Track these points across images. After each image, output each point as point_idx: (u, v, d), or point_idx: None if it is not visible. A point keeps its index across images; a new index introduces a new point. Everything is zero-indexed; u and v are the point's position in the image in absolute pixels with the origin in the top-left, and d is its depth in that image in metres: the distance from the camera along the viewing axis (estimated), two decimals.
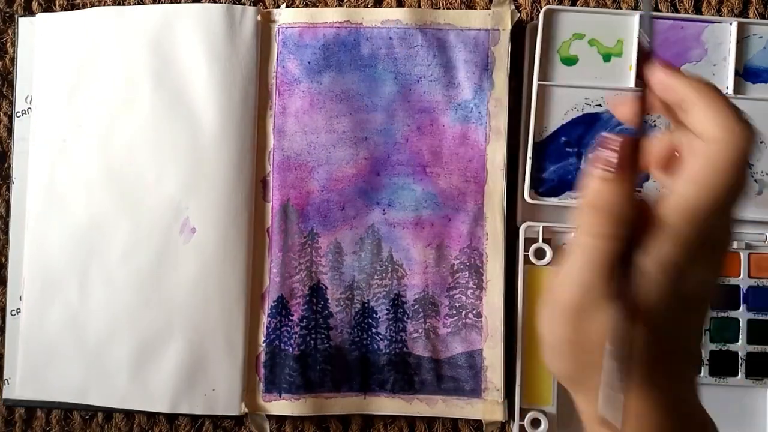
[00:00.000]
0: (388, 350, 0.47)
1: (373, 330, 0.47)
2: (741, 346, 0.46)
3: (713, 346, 0.46)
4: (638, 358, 0.26)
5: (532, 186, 0.46)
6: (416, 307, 0.47)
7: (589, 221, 0.26)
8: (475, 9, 0.48)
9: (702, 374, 0.46)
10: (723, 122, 0.26)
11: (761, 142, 0.46)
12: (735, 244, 0.46)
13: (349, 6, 0.50)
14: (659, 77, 0.29)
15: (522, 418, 0.45)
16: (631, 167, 0.26)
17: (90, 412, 0.49)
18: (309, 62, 0.48)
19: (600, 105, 0.47)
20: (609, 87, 0.46)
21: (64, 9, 0.51)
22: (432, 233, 0.47)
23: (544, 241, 0.46)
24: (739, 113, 0.26)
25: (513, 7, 0.47)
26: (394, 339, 0.47)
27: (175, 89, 0.48)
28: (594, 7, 0.49)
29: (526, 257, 0.46)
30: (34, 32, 0.50)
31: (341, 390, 0.47)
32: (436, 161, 0.48)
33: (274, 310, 0.47)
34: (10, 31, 0.51)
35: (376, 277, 0.48)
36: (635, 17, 0.46)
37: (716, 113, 0.26)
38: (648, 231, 0.26)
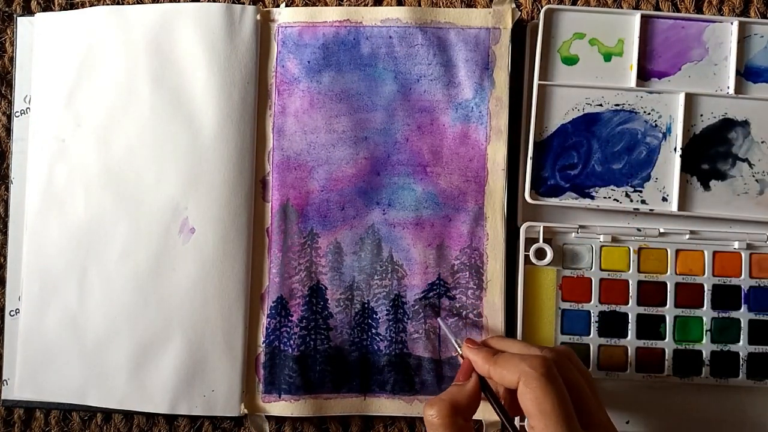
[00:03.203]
0: (388, 351, 0.47)
1: (373, 330, 0.47)
2: (742, 347, 0.46)
3: (714, 347, 0.46)
4: None
5: (532, 186, 0.46)
6: (416, 307, 0.47)
7: (430, 413, 0.37)
8: (476, 8, 0.48)
9: (703, 375, 0.46)
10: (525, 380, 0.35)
11: (762, 142, 0.46)
12: (736, 245, 0.46)
13: (349, 5, 0.49)
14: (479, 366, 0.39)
15: (522, 418, 0.45)
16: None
17: (89, 412, 0.49)
18: (309, 61, 0.48)
19: (601, 105, 0.46)
20: (610, 86, 0.46)
21: (62, 8, 0.51)
22: (432, 233, 0.47)
23: (544, 241, 0.46)
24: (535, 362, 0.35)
25: (514, 5, 0.47)
26: (394, 339, 0.47)
27: (174, 89, 0.48)
28: (595, 6, 0.49)
29: (526, 257, 0.46)
30: (32, 32, 0.50)
31: (341, 391, 0.47)
32: (436, 161, 0.47)
33: (273, 311, 0.47)
34: (8, 31, 0.51)
35: (376, 277, 0.47)
36: (636, 17, 0.46)
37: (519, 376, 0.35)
38: None
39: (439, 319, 0.46)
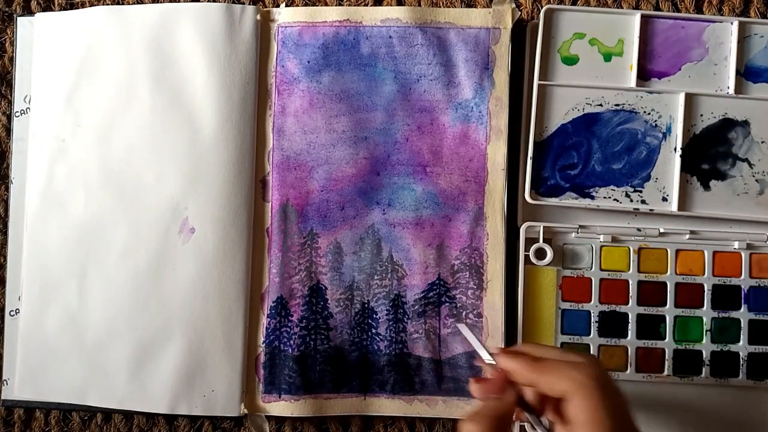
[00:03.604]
0: (388, 351, 0.47)
1: (373, 330, 0.47)
2: (742, 347, 0.46)
3: (714, 347, 0.46)
4: None
5: (532, 186, 0.46)
6: (416, 307, 0.47)
7: (468, 429, 0.34)
8: (476, 8, 0.48)
9: (703, 375, 0.46)
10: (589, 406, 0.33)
11: (762, 142, 0.46)
12: (736, 245, 0.46)
13: (349, 5, 0.49)
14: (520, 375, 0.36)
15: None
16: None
17: (89, 412, 0.49)
18: (308, 61, 0.48)
19: (600, 105, 0.46)
20: (609, 86, 0.46)
21: (62, 8, 0.51)
22: (432, 233, 0.47)
23: (544, 241, 0.46)
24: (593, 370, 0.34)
25: (514, 5, 0.47)
26: (394, 339, 0.47)
27: (174, 89, 0.48)
28: (595, 6, 0.49)
29: (526, 257, 0.46)
30: (32, 32, 0.50)
31: (341, 391, 0.47)
32: (436, 161, 0.47)
33: (273, 311, 0.47)
34: (8, 31, 0.51)
35: (376, 277, 0.47)
36: (636, 17, 0.46)
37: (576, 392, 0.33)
38: None
39: (461, 325, 0.44)
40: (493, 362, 0.38)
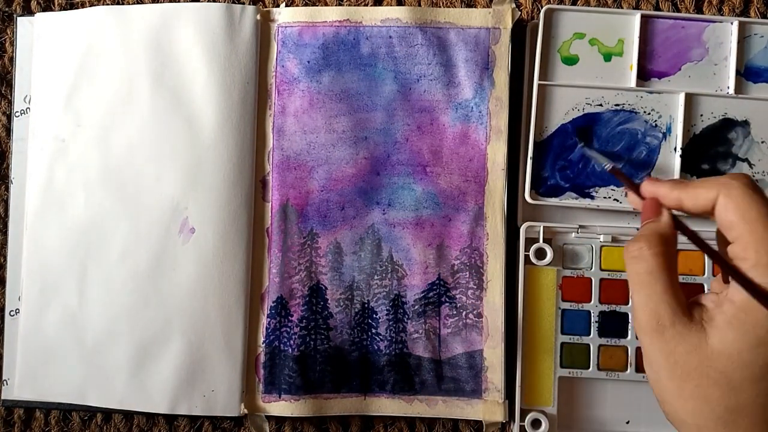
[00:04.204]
0: (388, 351, 0.47)
1: (373, 330, 0.47)
2: None
3: None
4: None
5: (532, 186, 0.46)
6: (416, 307, 0.47)
7: (637, 247, 0.32)
8: (476, 7, 0.48)
9: None
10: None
11: (762, 142, 0.46)
12: None
13: (349, 5, 0.49)
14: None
15: (522, 419, 0.45)
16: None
17: (89, 413, 0.49)
18: (308, 61, 0.48)
19: (601, 105, 0.46)
20: (610, 87, 0.46)
21: (62, 8, 0.51)
22: (432, 233, 0.47)
23: (544, 241, 0.46)
24: None
25: (514, 5, 0.47)
26: (394, 339, 0.47)
27: (174, 89, 0.48)
28: (595, 6, 0.49)
29: (526, 257, 0.46)
30: (32, 32, 0.50)
31: (341, 391, 0.47)
32: (436, 161, 0.47)
33: (273, 311, 0.47)
34: (8, 31, 0.51)
35: (376, 277, 0.47)
36: (636, 17, 0.46)
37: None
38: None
39: (584, 147, 0.44)
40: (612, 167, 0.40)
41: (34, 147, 0.49)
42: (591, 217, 0.47)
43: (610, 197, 0.47)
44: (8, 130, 0.50)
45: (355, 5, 0.49)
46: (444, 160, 0.47)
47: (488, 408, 0.46)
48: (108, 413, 0.49)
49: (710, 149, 0.46)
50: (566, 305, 0.46)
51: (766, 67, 0.47)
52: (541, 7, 0.47)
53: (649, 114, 0.46)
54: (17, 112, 0.50)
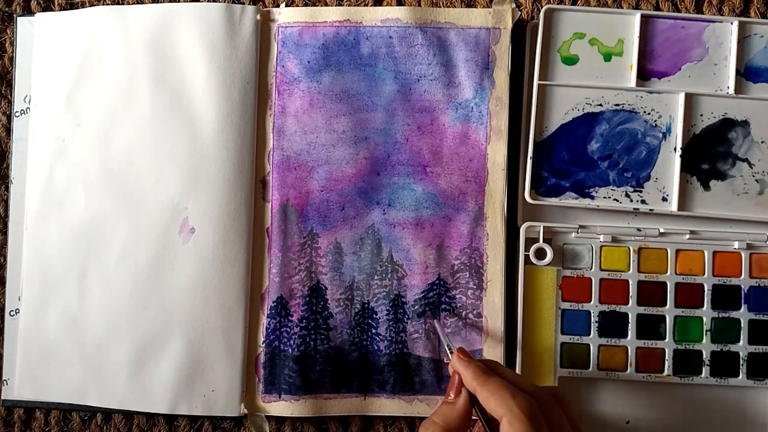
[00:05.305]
0: (388, 351, 0.47)
1: (373, 330, 0.47)
2: (742, 347, 0.46)
3: (714, 347, 0.46)
4: None
5: (532, 186, 0.46)
6: (416, 307, 0.47)
7: (430, 422, 0.37)
8: (476, 8, 0.48)
9: (703, 375, 0.46)
10: (504, 403, 0.35)
11: (762, 142, 0.46)
12: (736, 245, 0.46)
13: (349, 5, 0.49)
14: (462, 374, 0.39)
15: None
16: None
17: (89, 412, 0.49)
18: (309, 62, 0.48)
19: (600, 105, 0.46)
20: (610, 86, 0.46)
21: (62, 8, 0.51)
22: (432, 233, 0.47)
23: (544, 241, 0.46)
24: (514, 392, 0.36)
25: (514, 5, 0.47)
26: (394, 339, 0.47)
27: (174, 89, 0.48)
28: (595, 6, 0.49)
29: (526, 257, 0.46)
30: (32, 32, 0.50)
31: (341, 391, 0.47)
32: (436, 161, 0.47)
33: (273, 311, 0.47)
34: (8, 31, 0.51)
35: (376, 277, 0.47)
36: (636, 17, 0.46)
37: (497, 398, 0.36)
38: None
39: (435, 321, 0.46)
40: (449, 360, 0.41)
41: (34, 147, 0.49)
42: (591, 217, 0.47)
43: (610, 197, 0.47)
44: (8, 130, 0.50)
45: (355, 5, 0.49)
46: (444, 160, 0.47)
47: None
48: (108, 413, 0.49)
49: (710, 149, 0.46)
50: (566, 305, 0.46)
51: (766, 67, 0.47)
52: (541, 7, 0.47)
53: (649, 114, 0.46)
54: (17, 112, 0.50)
